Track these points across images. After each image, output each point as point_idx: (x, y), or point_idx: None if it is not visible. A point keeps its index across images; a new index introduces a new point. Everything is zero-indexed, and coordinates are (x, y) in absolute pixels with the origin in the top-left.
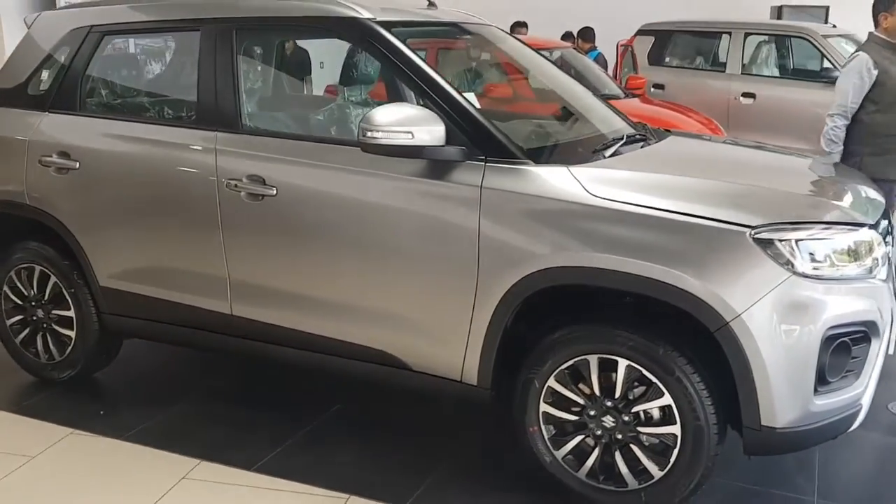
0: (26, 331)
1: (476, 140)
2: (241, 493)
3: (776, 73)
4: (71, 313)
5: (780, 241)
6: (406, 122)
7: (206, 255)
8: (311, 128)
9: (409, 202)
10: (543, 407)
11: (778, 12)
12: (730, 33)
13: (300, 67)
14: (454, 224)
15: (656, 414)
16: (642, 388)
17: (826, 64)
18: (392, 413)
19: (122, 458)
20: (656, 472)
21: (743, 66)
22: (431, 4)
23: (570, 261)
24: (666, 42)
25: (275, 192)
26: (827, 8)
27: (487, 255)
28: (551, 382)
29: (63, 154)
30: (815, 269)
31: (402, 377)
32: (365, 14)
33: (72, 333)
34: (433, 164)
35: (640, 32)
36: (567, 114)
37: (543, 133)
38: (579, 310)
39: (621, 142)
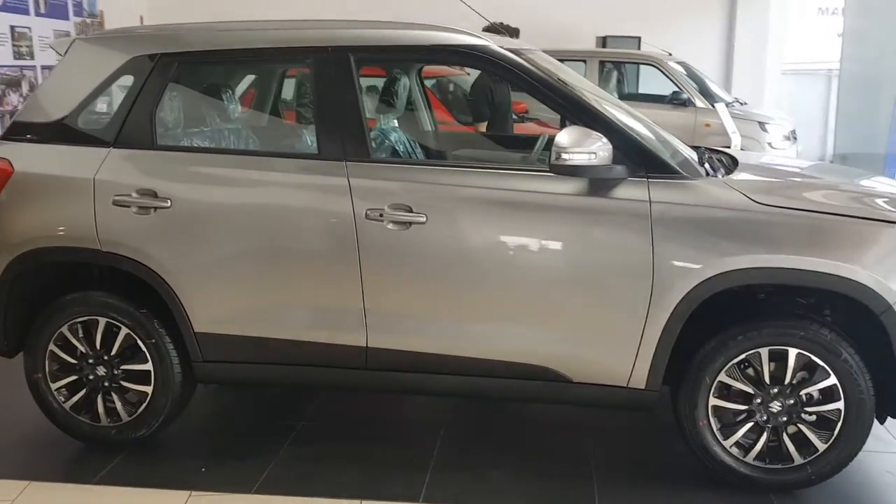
0: (80, 394)
1: (635, 158)
2: None
3: (629, 97)
4: (148, 366)
5: None
6: (589, 144)
7: (337, 287)
8: (449, 152)
9: (575, 221)
10: (713, 401)
11: (603, 42)
12: (585, 61)
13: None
14: (626, 238)
15: (818, 394)
16: (806, 373)
17: (675, 88)
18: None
19: None
20: (821, 446)
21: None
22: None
23: (746, 263)
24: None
25: (424, 219)
26: (639, 38)
27: (662, 265)
28: (722, 377)
29: (146, 192)
30: None
31: (562, 390)
32: (494, 44)
33: (147, 389)
34: (596, 182)
35: None
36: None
37: (672, 150)
38: (738, 309)
39: (716, 155)
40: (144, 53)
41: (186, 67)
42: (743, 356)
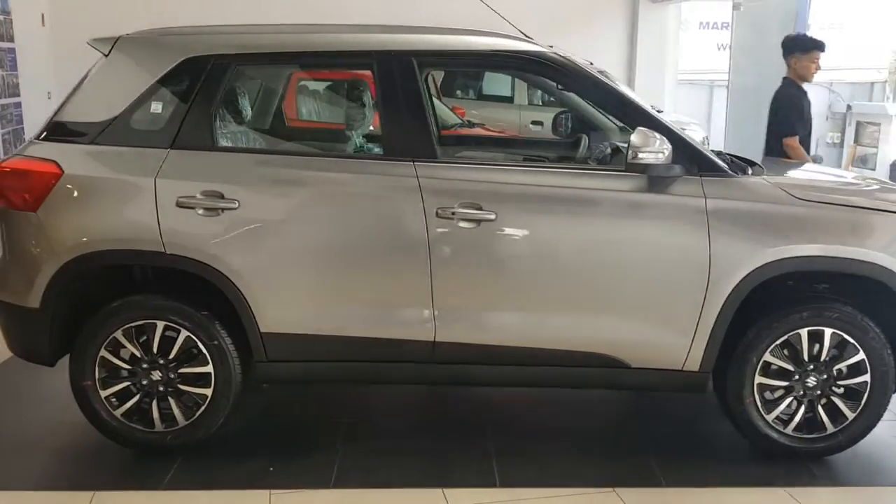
0: (133, 400)
1: (688, 157)
2: None
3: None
4: (208, 369)
5: None
6: (658, 144)
7: (407, 284)
8: (514, 152)
9: (639, 216)
10: (758, 379)
11: None
12: None
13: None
14: (686, 231)
15: (846, 369)
16: (837, 350)
17: None
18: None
19: None
20: (850, 415)
21: (528, 98)
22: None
23: (792, 253)
24: (454, 76)
25: (494, 216)
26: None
27: (717, 256)
28: (767, 357)
29: (212, 194)
30: None
31: (620, 376)
32: (550, 51)
33: (207, 391)
34: (657, 180)
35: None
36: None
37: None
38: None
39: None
40: (199, 54)
41: (243, 69)
42: (785, 337)
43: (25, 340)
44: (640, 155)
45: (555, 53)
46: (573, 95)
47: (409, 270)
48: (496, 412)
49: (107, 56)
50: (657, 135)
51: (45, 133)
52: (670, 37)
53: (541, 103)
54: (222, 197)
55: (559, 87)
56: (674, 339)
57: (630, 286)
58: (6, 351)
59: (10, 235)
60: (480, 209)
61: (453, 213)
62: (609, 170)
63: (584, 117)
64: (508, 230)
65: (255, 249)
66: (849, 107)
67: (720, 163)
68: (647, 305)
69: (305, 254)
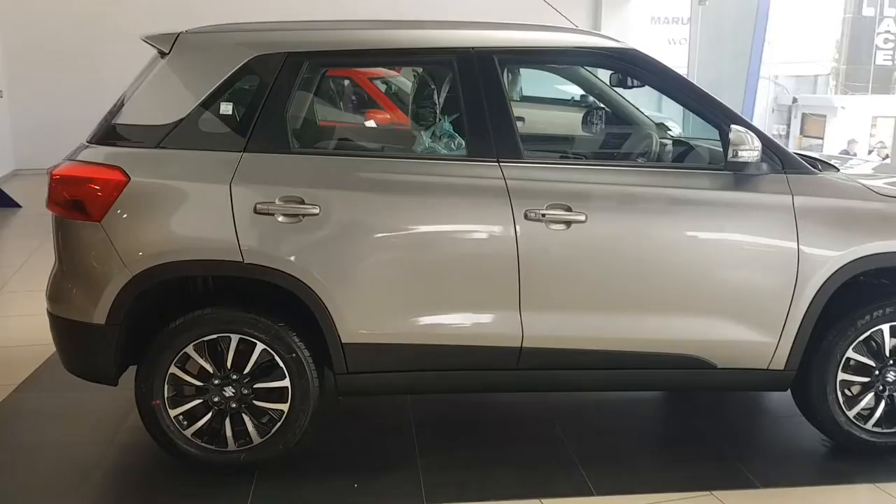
0: (205, 418)
1: (773, 155)
2: None
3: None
4: (285, 383)
5: None
6: (755, 142)
7: (495, 289)
8: (598, 150)
9: (728, 214)
10: (841, 375)
11: None
12: None
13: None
14: (775, 228)
15: None
16: None
17: (581, 91)
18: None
19: None
20: None
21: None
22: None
23: (877, 249)
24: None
25: (584, 217)
26: None
27: (806, 252)
28: (850, 353)
29: (292, 199)
30: None
31: (707, 376)
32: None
33: (283, 407)
34: (746, 178)
35: None
36: None
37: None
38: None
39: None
40: (270, 52)
41: (317, 68)
42: (868, 333)
43: (88, 359)
44: (741, 153)
45: (639, 51)
46: (611, 92)
47: (496, 275)
48: (566, 418)
49: (167, 54)
50: (750, 132)
51: (100, 136)
52: (632, 31)
53: (518, 99)
54: (302, 202)
55: (636, 83)
56: (761, 337)
57: (721, 286)
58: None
59: (69, 247)
60: (570, 210)
61: (543, 215)
62: (702, 168)
63: (622, 115)
64: (600, 232)
65: (336, 257)
66: (795, 99)
67: (801, 160)
68: (737, 305)
69: (388, 260)
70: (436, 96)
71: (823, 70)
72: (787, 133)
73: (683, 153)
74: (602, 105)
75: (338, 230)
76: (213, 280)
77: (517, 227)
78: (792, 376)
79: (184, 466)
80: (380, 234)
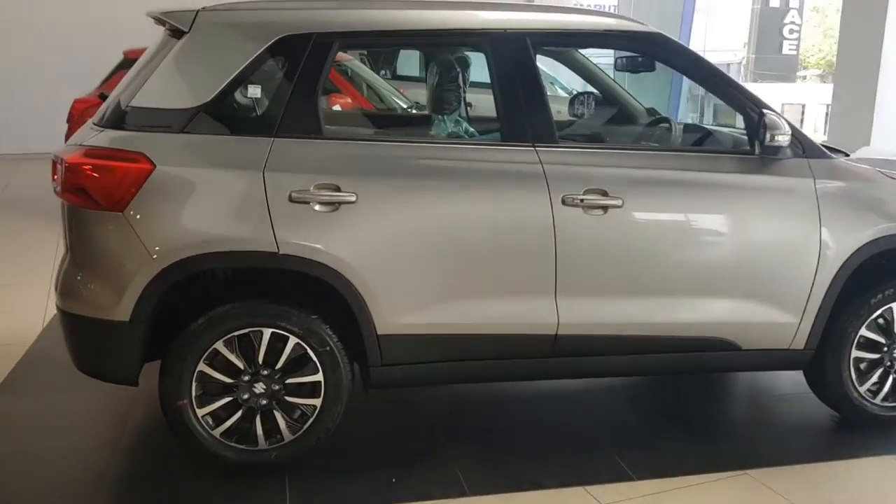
0: (235, 417)
1: (795, 139)
2: None
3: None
4: (318, 377)
5: None
6: (787, 126)
7: (531, 275)
8: (631, 136)
9: (759, 197)
10: (854, 353)
11: None
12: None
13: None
14: (799, 211)
15: None
16: None
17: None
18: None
19: None
20: None
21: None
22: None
23: (892, 231)
24: (378, 56)
25: (621, 202)
26: None
27: (827, 235)
28: (863, 331)
29: (327, 186)
30: None
31: (731, 358)
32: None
33: (316, 402)
34: (771, 161)
35: None
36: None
37: None
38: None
39: None
40: (297, 32)
41: (346, 49)
42: (880, 311)
43: (109, 358)
44: (778, 138)
45: (667, 35)
46: (604, 77)
47: (533, 262)
48: (588, 404)
49: (187, 32)
50: (782, 116)
51: (114, 120)
52: None
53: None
54: (338, 189)
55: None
56: (785, 318)
57: (750, 269)
58: None
59: (86, 240)
60: (606, 195)
61: (581, 201)
62: (734, 152)
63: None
64: (636, 217)
65: (373, 246)
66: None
67: (818, 144)
68: (764, 287)
69: (425, 248)
70: (460, 80)
71: (735, 59)
72: (701, 121)
73: (704, 138)
74: (596, 91)
75: (374, 218)
76: (231, 272)
77: (554, 213)
78: (811, 355)
79: (209, 468)
80: (417, 222)
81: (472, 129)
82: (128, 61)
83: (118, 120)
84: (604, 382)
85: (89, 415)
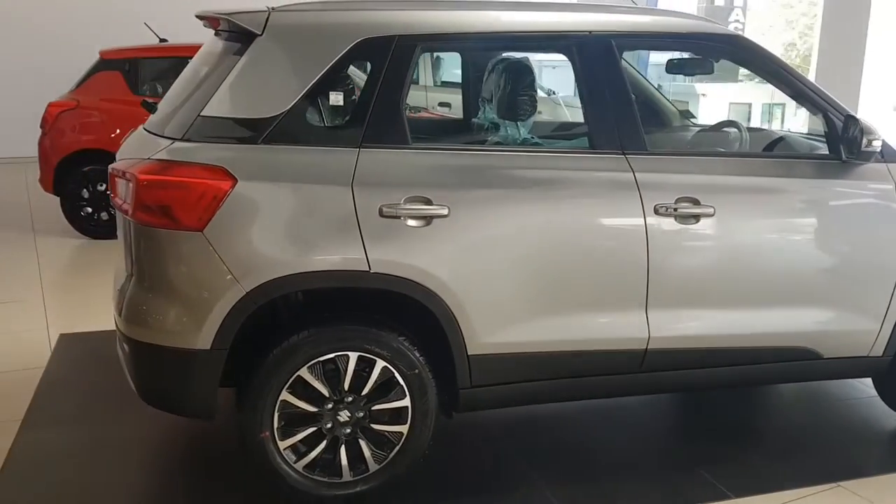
0: (319, 448)
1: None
2: None
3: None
4: (405, 402)
5: None
6: (877, 131)
7: (623, 288)
8: (709, 142)
9: (844, 204)
10: None
11: None
12: None
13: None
14: (883, 217)
15: None
16: None
17: None
18: None
19: None
20: None
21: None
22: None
23: None
24: None
25: (713, 211)
26: None
27: None
28: None
29: (418, 199)
30: None
31: (813, 367)
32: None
33: (402, 429)
34: (852, 166)
35: None
36: None
37: None
38: None
39: None
40: (379, 35)
41: (429, 52)
42: None
43: (184, 390)
44: (874, 143)
45: (747, 38)
46: (640, 79)
47: (626, 274)
48: (661, 420)
49: (259, 36)
50: (870, 121)
51: (187, 132)
52: None
53: (439, 84)
54: (430, 203)
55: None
56: (866, 325)
57: (836, 277)
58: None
59: (160, 261)
60: (698, 203)
61: (675, 210)
62: (821, 158)
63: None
64: (728, 225)
65: (467, 262)
66: (659, 86)
67: (892, 147)
68: (848, 295)
69: (518, 262)
70: (535, 84)
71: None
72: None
73: (776, 143)
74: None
75: (468, 233)
76: (301, 295)
77: (647, 222)
78: (889, 361)
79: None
80: (510, 235)
81: (552, 137)
82: (104, 62)
83: (187, 130)
84: (666, 395)
85: (130, 445)
